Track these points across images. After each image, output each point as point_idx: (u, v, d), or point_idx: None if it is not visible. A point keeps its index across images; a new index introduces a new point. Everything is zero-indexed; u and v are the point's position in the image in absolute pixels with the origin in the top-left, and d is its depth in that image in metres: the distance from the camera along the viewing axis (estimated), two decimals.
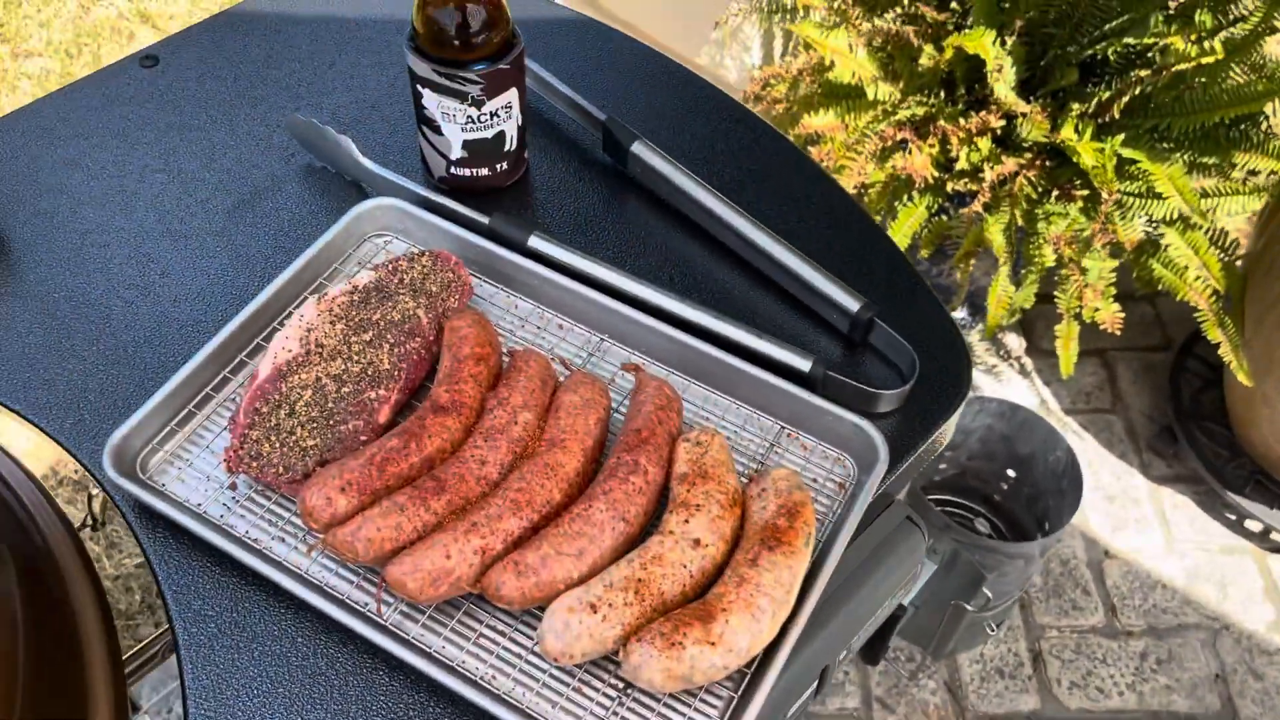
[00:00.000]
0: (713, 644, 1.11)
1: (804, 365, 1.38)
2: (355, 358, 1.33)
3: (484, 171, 1.60)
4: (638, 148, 1.61)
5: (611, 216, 1.63)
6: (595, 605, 1.13)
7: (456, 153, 1.56)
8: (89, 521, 1.36)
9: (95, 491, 1.31)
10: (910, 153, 2.94)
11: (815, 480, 1.34)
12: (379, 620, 1.20)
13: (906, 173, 2.87)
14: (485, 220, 1.53)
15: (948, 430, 1.44)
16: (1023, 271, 3.00)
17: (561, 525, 1.19)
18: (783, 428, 1.38)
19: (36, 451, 1.49)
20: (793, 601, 1.17)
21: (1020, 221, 2.91)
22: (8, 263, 1.52)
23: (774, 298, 1.54)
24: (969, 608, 2.55)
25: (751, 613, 1.13)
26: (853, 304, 1.44)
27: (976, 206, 2.86)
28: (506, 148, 1.58)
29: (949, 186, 3.01)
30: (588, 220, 1.62)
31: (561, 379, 1.40)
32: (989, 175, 2.86)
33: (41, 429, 1.36)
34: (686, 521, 1.20)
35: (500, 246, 1.49)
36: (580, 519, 1.19)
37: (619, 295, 1.46)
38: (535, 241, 1.50)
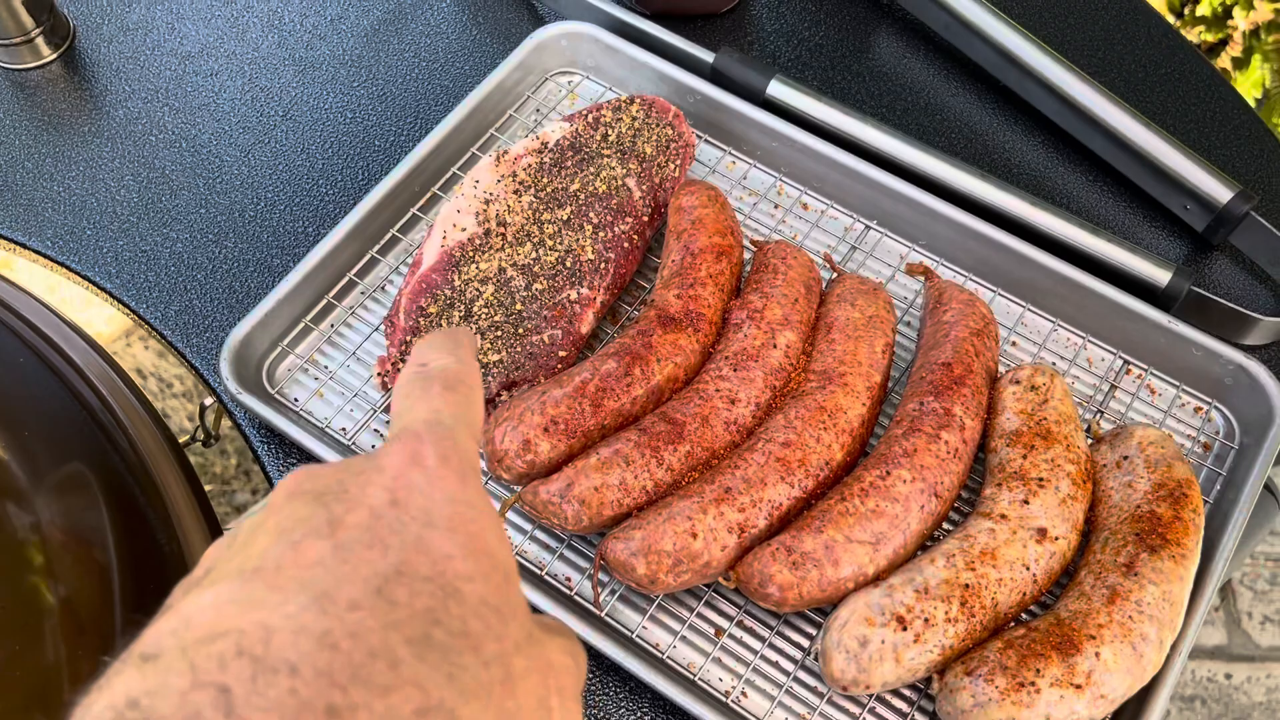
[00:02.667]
0: (1078, 686, 0.78)
1: (1159, 278, 1.00)
2: (550, 243, 0.98)
3: None
4: None
5: (864, 61, 1.22)
6: (904, 618, 0.80)
7: None
8: (199, 436, 1.05)
9: (208, 400, 1.00)
10: None
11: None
12: (594, 610, 0.88)
13: None
14: (709, 57, 1.14)
15: None
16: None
17: (849, 499, 0.85)
18: (1125, 363, 1.01)
19: (113, 332, 1.17)
20: (1181, 624, 0.83)
21: (1269, 80, 2.42)
22: (89, 90, 1.18)
23: (1092, 176, 1.14)
24: None
25: (1132, 643, 0.79)
26: (1221, 192, 1.04)
27: (1223, 62, 2.37)
28: None
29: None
30: (835, 62, 1.22)
31: (824, 282, 1.04)
32: (1240, 23, 2.35)
33: (139, 316, 1.05)
34: (1026, 502, 0.85)
35: (728, 93, 1.11)
36: (877, 491, 0.85)
37: (892, 166, 1.07)
38: (778, 88, 1.11)
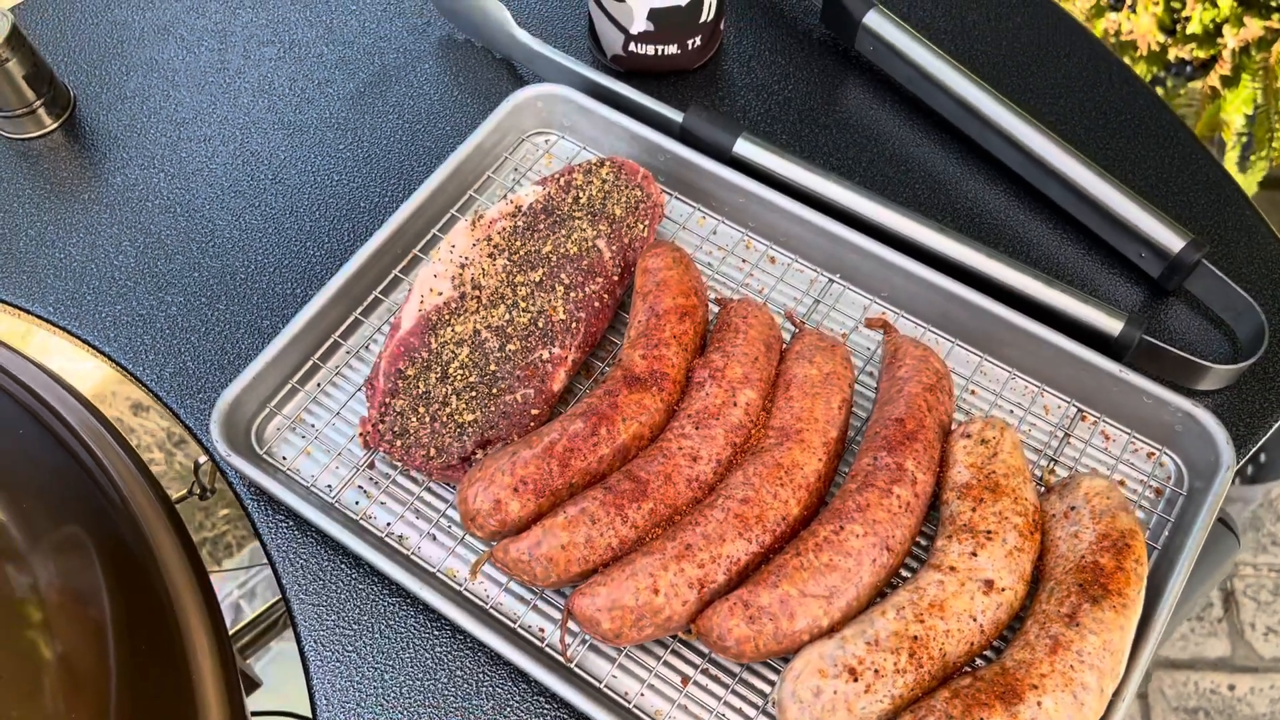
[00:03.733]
0: None
1: (1112, 328, 1.04)
2: (522, 305, 1.03)
3: (671, 49, 1.24)
4: (872, 19, 1.23)
5: (831, 114, 1.26)
6: (855, 670, 0.84)
7: (639, 25, 1.21)
8: (195, 490, 1.11)
9: (202, 459, 1.05)
10: (1132, 11, 2.45)
11: (1123, 485, 1.01)
12: (564, 662, 0.93)
13: (1130, 37, 2.40)
14: (678, 116, 1.18)
15: None
16: (1252, 158, 2.54)
17: (804, 554, 0.89)
18: (1079, 411, 1.04)
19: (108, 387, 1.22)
20: (1123, 671, 0.86)
21: (1259, 98, 2.43)
22: (89, 157, 1.24)
23: (1053, 225, 1.18)
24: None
25: (1073, 692, 0.83)
26: (1174, 241, 1.08)
27: (1212, 80, 2.39)
28: (702, 18, 1.22)
29: (1171, 54, 2.53)
30: (803, 115, 1.26)
31: (786, 337, 1.08)
32: (1230, 41, 2.37)
33: (135, 377, 1.10)
34: (974, 554, 0.89)
35: (696, 152, 1.15)
36: (831, 546, 0.89)
37: (854, 221, 1.11)
38: (744, 146, 1.16)
